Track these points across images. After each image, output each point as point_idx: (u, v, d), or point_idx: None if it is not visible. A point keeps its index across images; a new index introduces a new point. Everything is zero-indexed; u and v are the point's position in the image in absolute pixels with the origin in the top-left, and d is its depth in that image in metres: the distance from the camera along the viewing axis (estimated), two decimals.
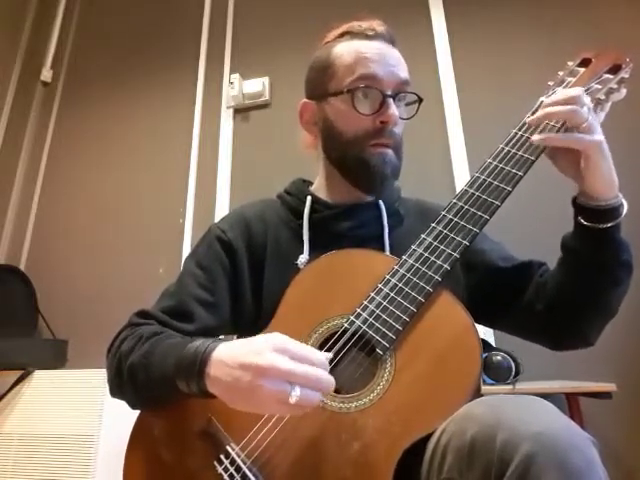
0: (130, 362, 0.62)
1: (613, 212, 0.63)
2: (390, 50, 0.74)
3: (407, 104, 0.77)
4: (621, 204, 0.63)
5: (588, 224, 0.64)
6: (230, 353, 0.52)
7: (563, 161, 0.65)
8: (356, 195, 0.77)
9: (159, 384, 0.59)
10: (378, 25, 0.75)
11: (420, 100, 0.76)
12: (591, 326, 0.70)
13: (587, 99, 0.61)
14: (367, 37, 0.74)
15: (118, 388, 0.65)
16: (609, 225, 0.63)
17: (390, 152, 0.72)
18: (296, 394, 0.46)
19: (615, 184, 0.63)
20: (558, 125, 0.63)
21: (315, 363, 0.49)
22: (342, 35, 0.77)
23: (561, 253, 0.70)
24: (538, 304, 0.71)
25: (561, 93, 0.63)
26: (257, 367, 0.48)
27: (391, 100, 0.71)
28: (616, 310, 0.69)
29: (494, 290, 0.76)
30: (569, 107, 0.60)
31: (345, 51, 0.74)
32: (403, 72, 0.74)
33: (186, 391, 0.55)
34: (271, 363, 0.47)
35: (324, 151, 0.79)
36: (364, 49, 0.73)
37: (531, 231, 1.62)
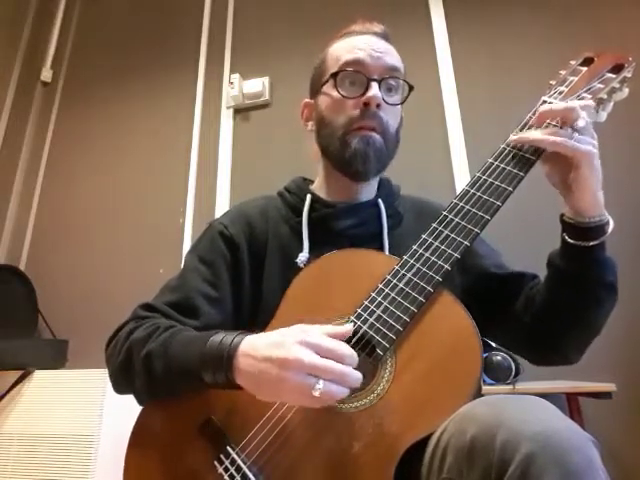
0: (146, 351, 0.61)
1: (597, 230, 0.62)
2: (380, 41, 0.76)
3: (402, 93, 0.77)
4: (606, 223, 0.62)
5: (572, 241, 0.63)
6: (256, 346, 0.54)
7: (554, 171, 0.64)
8: (355, 194, 0.78)
9: (180, 375, 0.59)
10: (374, 25, 0.78)
11: (410, 87, 0.76)
12: (571, 344, 0.70)
13: (585, 115, 0.60)
14: (359, 33, 0.77)
15: (126, 379, 0.64)
16: (591, 244, 0.62)
17: (375, 136, 0.72)
18: (320, 387, 0.48)
19: (600, 202, 0.62)
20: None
21: (341, 357, 0.50)
22: (340, 37, 0.80)
23: (547, 269, 0.69)
24: (525, 317, 0.71)
25: (560, 104, 0.62)
26: (282, 360, 0.50)
27: (375, 83, 0.72)
28: (598, 330, 0.68)
29: (485, 295, 0.75)
30: (551, 132, 0.60)
31: (337, 47, 0.78)
32: (391, 59, 0.74)
33: (211, 382, 0.56)
34: (295, 356, 0.49)
35: (318, 144, 0.80)
36: (354, 41, 0.76)
37: (529, 240, 1.62)
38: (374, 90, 0.71)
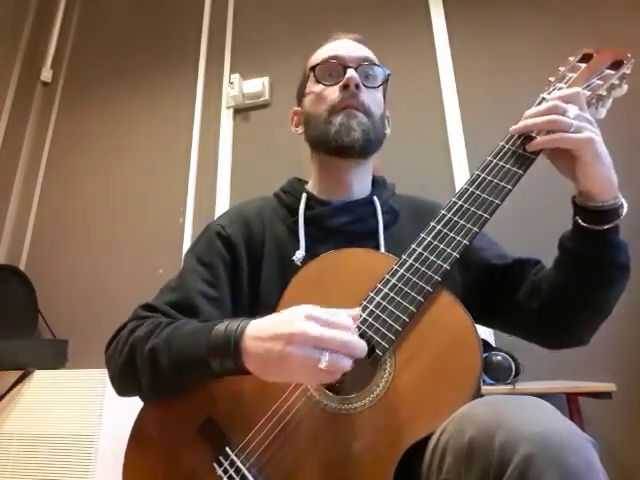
0: (150, 347, 0.61)
1: (611, 213, 0.61)
2: (353, 42, 0.82)
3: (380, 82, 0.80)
4: (620, 205, 0.62)
5: (585, 225, 0.63)
6: (261, 327, 0.54)
7: (561, 162, 0.64)
8: (349, 190, 0.79)
9: (187, 367, 0.59)
10: (349, 34, 0.83)
11: (387, 74, 0.80)
12: (584, 326, 0.70)
13: (572, 107, 0.60)
14: (335, 39, 0.83)
15: (129, 378, 0.63)
16: (605, 227, 0.62)
17: (359, 112, 0.74)
18: (325, 359, 0.47)
19: (613, 185, 0.61)
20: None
21: (345, 329, 0.49)
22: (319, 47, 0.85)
23: (558, 251, 0.69)
24: (533, 302, 0.71)
25: (542, 105, 0.62)
26: (287, 335, 0.49)
27: (351, 69, 0.75)
28: (610, 310, 0.68)
29: (489, 288, 0.76)
30: (548, 117, 0.60)
31: (316, 53, 0.83)
32: (366, 52, 0.80)
33: (219, 370, 0.56)
34: (299, 329, 0.49)
35: (307, 141, 0.82)
36: (331, 44, 0.82)
37: (529, 229, 1.62)
38: (351, 72, 0.75)
